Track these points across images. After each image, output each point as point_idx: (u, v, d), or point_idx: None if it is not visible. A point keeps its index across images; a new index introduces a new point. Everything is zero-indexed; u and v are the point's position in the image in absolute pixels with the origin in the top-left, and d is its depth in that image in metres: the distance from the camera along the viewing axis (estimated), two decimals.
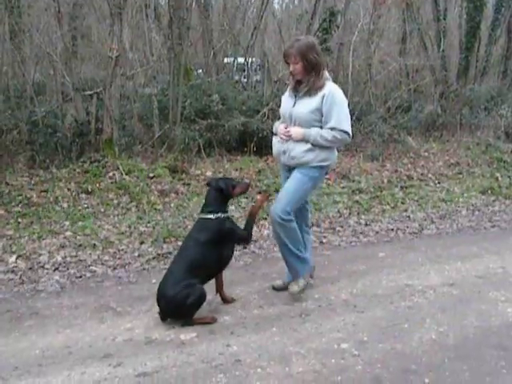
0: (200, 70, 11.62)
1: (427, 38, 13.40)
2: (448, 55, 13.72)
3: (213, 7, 12.85)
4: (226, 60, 12.14)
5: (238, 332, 3.83)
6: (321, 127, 4.11)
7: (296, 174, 4.20)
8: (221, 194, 4.10)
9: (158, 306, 3.98)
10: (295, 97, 4.21)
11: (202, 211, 4.12)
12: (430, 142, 10.85)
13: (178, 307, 3.85)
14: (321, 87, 4.08)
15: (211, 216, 4.03)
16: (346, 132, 4.08)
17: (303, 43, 4.07)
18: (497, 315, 4.13)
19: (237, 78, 11.74)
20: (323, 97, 4.04)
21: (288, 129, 4.19)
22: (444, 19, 13.50)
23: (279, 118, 4.49)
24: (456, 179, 9.12)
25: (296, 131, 4.14)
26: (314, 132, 4.08)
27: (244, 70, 11.80)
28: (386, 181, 8.58)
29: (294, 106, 4.20)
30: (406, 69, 13.04)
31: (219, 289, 4.29)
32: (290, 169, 4.31)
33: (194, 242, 4.02)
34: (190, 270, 3.89)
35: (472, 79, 13.56)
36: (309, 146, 4.11)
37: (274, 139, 4.40)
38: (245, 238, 4.22)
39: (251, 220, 4.25)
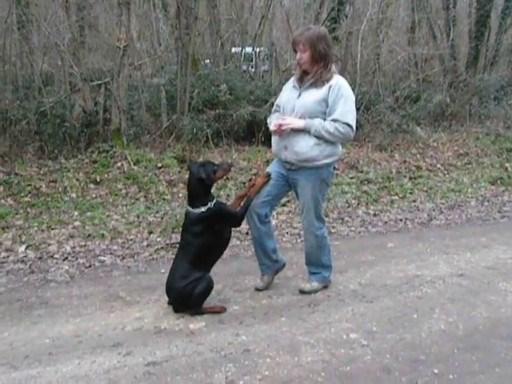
0: (208, 60, 11.59)
1: (436, 27, 13.31)
2: (457, 44, 13.63)
3: None
4: (233, 50, 12.10)
5: (247, 322, 3.83)
6: (325, 120, 3.94)
7: (307, 186, 4.07)
8: (203, 183, 3.91)
9: (168, 298, 4.02)
10: (299, 88, 4.04)
11: (190, 205, 3.94)
12: (438, 132, 10.79)
13: (187, 298, 3.86)
14: (328, 79, 3.92)
15: (202, 209, 3.88)
16: (349, 126, 3.90)
17: (313, 32, 3.91)
18: (506, 306, 4.11)
19: (244, 67, 11.71)
20: (330, 87, 3.89)
21: (284, 119, 3.98)
22: (453, 8, 13.40)
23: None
24: (465, 169, 9.07)
25: (295, 120, 3.94)
26: (317, 122, 3.91)
27: (252, 60, 11.76)
28: (394, 171, 8.54)
29: (298, 97, 4.02)
30: (414, 58, 12.95)
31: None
32: (290, 168, 4.11)
33: (192, 236, 3.92)
34: (194, 265, 3.89)
35: (482, 69, 13.47)
36: (314, 140, 3.92)
37: (274, 135, 4.22)
38: (237, 220, 4.08)
39: (248, 202, 4.12)
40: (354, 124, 3.95)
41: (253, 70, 11.71)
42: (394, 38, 13.31)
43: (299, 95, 4.01)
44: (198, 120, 8.65)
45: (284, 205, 6.84)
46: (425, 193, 7.78)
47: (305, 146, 3.95)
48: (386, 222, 6.51)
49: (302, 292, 4.33)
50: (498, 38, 13.83)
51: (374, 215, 6.76)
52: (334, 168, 4.23)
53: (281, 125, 3.97)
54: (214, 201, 3.96)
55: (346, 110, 3.90)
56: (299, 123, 3.93)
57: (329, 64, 3.95)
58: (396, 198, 7.48)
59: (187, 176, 4.08)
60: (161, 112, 8.94)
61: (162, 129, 8.74)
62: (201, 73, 9.74)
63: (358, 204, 7.13)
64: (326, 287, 4.42)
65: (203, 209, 3.88)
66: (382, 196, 7.49)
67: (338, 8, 10.92)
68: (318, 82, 3.93)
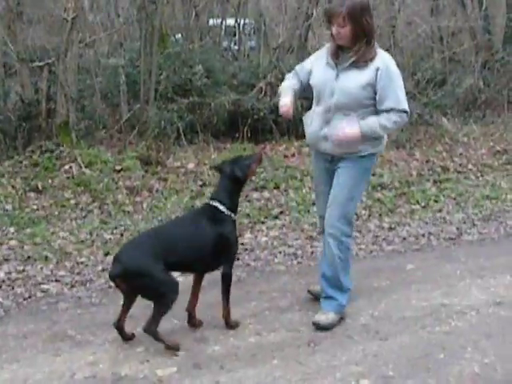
0: (179, 35, 11.60)
1: None
2: (492, 15, 13.70)
3: None
4: (211, 22, 12.12)
5: (230, 366, 3.82)
6: (374, 106, 4.12)
7: (346, 174, 4.24)
8: (237, 182, 4.23)
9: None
10: (336, 66, 4.15)
11: (212, 198, 4.25)
12: (470, 125, 10.85)
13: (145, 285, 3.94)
14: (372, 58, 4.07)
15: (222, 208, 4.16)
16: (405, 111, 4.13)
17: (357, 3, 3.97)
18: None
19: (225, 44, 11.73)
20: (377, 70, 4.04)
21: (341, 133, 4.10)
22: None
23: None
24: (503, 171, 9.12)
25: (353, 133, 4.08)
26: (372, 122, 4.10)
27: (235, 35, 11.79)
28: (415, 174, 8.58)
29: (336, 78, 4.14)
30: (439, 32, 13.02)
31: (191, 306, 4.33)
32: (332, 159, 4.32)
33: (190, 223, 4.21)
34: (166, 254, 3.95)
35: None
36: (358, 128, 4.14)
37: (307, 119, 4.38)
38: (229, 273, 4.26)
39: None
40: (407, 107, 4.17)
41: (236, 47, 11.74)
42: (413, 6, 13.36)
43: (337, 76, 4.14)
44: (167, 110, 8.65)
45: (276, 217, 6.85)
46: (453, 201, 7.81)
47: None
48: (404, 238, 6.53)
49: (318, 327, 4.28)
50: None
51: (390, 229, 6.77)
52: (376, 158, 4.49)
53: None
54: (235, 216, 4.27)
55: (399, 94, 4.13)
56: (356, 132, 4.08)
57: (372, 40, 4.08)
58: (417, 207, 7.51)
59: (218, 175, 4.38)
60: (120, 101, 8.93)
61: (121, 122, 8.73)
62: (170, 51, 9.74)
63: (370, 215, 7.14)
64: (342, 319, 4.42)
65: (224, 209, 4.17)
66: (400, 205, 7.51)
67: None
68: (359, 62, 4.06)
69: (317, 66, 4.31)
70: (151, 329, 3.90)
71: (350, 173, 4.24)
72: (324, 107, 4.21)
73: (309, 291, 4.80)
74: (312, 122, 4.32)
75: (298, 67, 4.49)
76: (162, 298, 3.91)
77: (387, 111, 4.08)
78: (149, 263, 3.86)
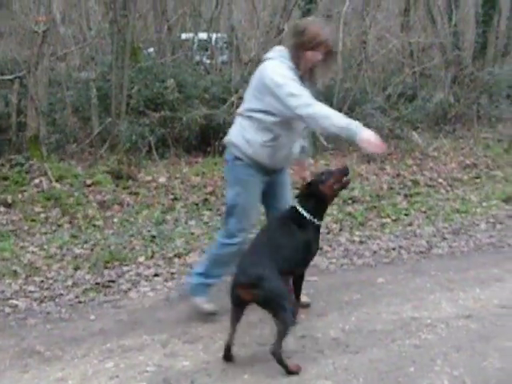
0: (151, 49, 11.60)
1: (436, 8, 13.55)
2: (461, 31, 13.88)
3: None
4: (183, 36, 12.14)
5: (200, 381, 3.80)
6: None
7: (288, 179, 4.76)
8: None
9: None
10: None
11: None
12: (440, 139, 10.95)
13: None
14: None
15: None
16: None
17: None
18: None
19: (197, 58, 11.75)
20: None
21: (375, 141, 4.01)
22: None
23: None
24: (473, 185, 9.21)
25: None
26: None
27: (207, 49, 11.82)
28: (385, 187, 8.63)
29: None
30: (409, 47, 13.16)
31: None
32: (273, 172, 4.56)
33: None
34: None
35: (491, 60, 13.74)
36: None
37: (275, 148, 4.32)
38: None
39: None
40: None
41: (208, 61, 11.76)
42: (384, 22, 13.50)
43: None
44: (139, 124, 8.63)
45: None
46: (423, 214, 7.86)
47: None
48: (375, 252, 6.55)
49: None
50: (511, 22, 14.15)
51: (361, 243, 6.79)
52: None
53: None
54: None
55: None
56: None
57: None
58: (388, 220, 7.55)
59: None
60: (91, 115, 8.90)
61: (92, 136, 8.69)
62: (142, 65, 9.74)
63: (341, 229, 7.16)
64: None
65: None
66: (371, 219, 7.55)
67: None
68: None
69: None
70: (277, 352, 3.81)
71: (289, 180, 4.78)
72: (301, 126, 4.39)
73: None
74: (286, 146, 4.37)
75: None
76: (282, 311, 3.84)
77: None
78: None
